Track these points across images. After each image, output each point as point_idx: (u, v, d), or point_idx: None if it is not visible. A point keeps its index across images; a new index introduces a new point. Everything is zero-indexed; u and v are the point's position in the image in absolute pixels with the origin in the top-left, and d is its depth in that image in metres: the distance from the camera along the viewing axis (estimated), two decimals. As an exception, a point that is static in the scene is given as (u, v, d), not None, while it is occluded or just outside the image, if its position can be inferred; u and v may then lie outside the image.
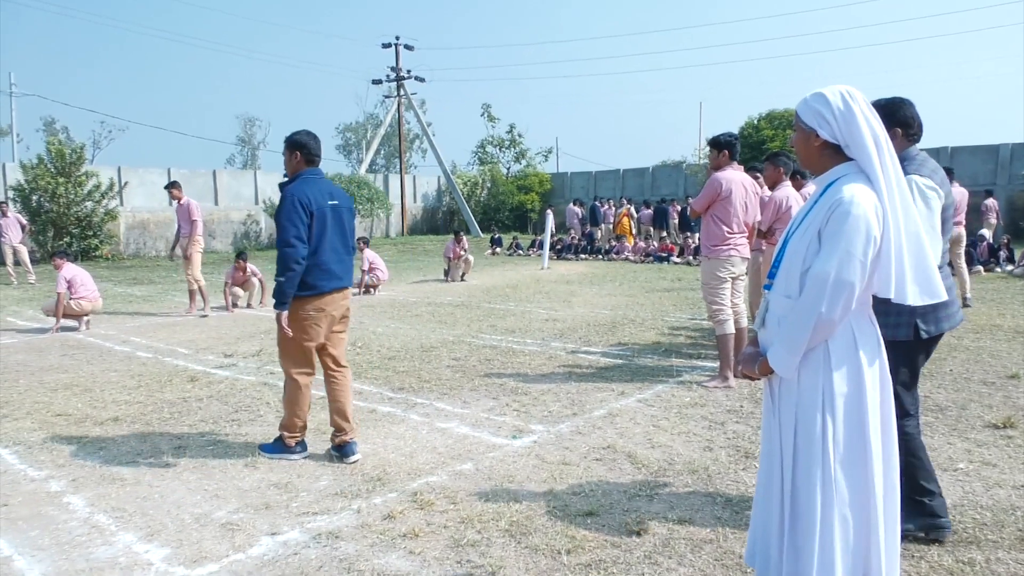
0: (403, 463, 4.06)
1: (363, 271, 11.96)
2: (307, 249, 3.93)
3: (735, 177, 5.68)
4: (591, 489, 3.62)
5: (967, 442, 4.17)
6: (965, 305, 9.07)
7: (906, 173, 2.82)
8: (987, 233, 15.74)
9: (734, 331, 5.65)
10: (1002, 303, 9.61)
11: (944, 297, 2.19)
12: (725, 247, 5.65)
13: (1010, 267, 13.72)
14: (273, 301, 4.02)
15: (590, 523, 3.24)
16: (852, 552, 2.14)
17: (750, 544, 2.44)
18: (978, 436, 4.27)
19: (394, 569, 2.88)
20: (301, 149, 4.13)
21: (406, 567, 2.89)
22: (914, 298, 2.12)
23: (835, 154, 2.18)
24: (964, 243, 9.89)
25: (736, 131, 25.51)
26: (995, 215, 17.50)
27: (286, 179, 4.20)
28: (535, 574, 2.81)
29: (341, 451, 4.14)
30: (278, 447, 4.19)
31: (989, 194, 18.18)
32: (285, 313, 3.99)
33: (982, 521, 3.17)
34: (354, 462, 4.08)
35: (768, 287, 2.33)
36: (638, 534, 3.11)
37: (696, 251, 17.62)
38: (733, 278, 5.74)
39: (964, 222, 9.67)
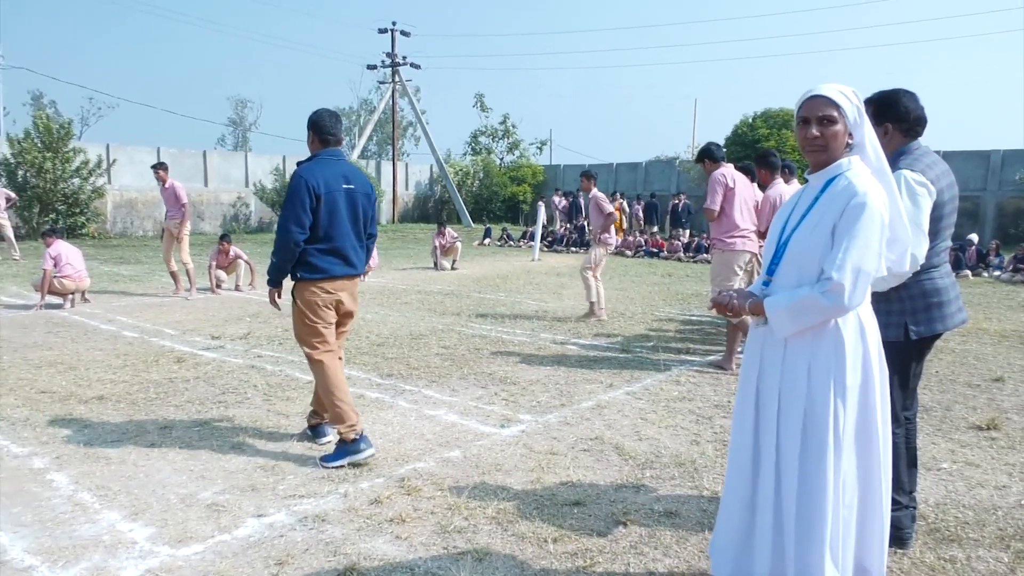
0: (391, 449, 4.05)
1: None
2: (304, 235, 3.78)
3: (733, 171, 5.84)
4: (578, 479, 3.63)
5: (951, 442, 4.21)
6: None
7: (898, 167, 2.73)
8: (975, 238, 15.84)
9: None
10: (988, 307, 9.70)
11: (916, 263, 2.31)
12: (740, 238, 5.78)
13: (998, 272, 13.84)
14: (267, 279, 3.97)
15: (576, 513, 3.25)
16: (857, 539, 2.17)
17: (720, 547, 2.41)
18: (962, 437, 4.31)
19: (381, 553, 2.87)
20: (314, 128, 3.97)
21: (392, 552, 2.89)
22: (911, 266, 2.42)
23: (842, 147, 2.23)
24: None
25: (730, 130, 25.52)
26: None
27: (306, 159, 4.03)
28: (521, 561, 2.82)
29: (314, 432, 4.16)
30: (340, 452, 3.82)
31: None
32: (273, 289, 3.99)
33: (964, 520, 3.20)
34: (324, 444, 4.08)
35: (766, 283, 2.32)
36: (624, 525, 3.12)
37: (686, 247, 17.67)
38: (742, 271, 5.85)
39: None
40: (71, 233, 18.59)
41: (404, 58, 31.34)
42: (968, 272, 13.74)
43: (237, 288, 10.48)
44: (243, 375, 5.63)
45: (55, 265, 8.61)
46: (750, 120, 24.86)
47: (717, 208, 5.85)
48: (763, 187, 6.44)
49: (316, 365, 3.94)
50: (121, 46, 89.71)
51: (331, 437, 4.11)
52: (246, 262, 10.64)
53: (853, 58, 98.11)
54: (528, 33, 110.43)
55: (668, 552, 2.90)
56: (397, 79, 31.42)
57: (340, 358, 4.15)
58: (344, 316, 4.10)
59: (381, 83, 33.48)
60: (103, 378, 5.50)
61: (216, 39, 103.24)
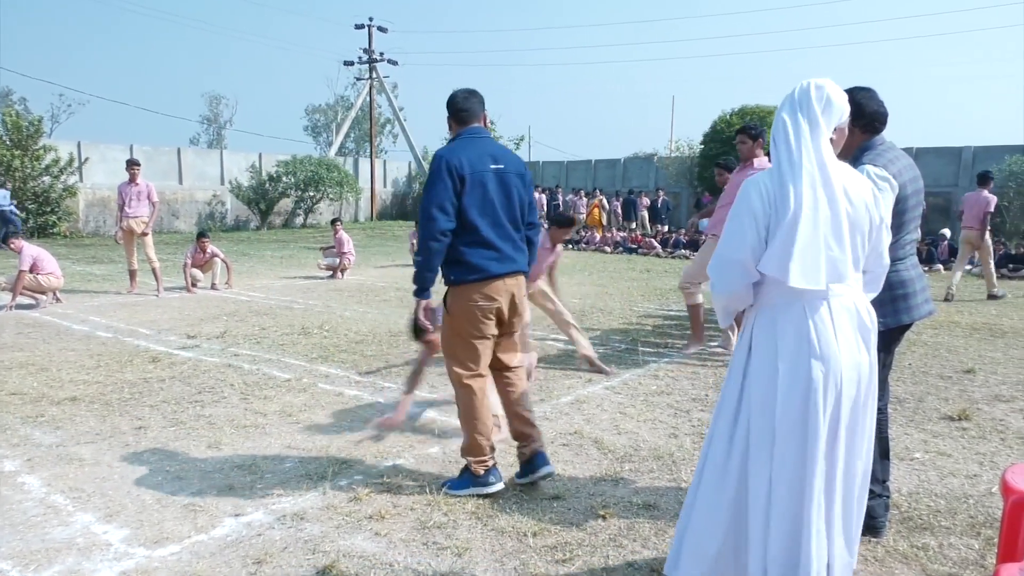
0: (370, 446, 4.03)
1: (342, 253, 11.97)
2: (451, 223, 3.18)
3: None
4: (557, 473, 3.64)
5: (924, 433, 4.28)
6: (991, 297, 10.09)
7: (861, 163, 2.78)
8: (947, 233, 16.09)
9: (701, 301, 6.33)
10: (960, 301, 9.88)
11: (819, 286, 2.14)
12: None
13: (968, 267, 14.07)
14: (413, 289, 3.36)
15: (556, 506, 3.26)
16: (769, 540, 2.18)
17: None
18: (934, 427, 4.39)
19: (360, 550, 2.86)
20: (449, 109, 3.41)
21: (372, 548, 2.88)
22: (796, 281, 2.11)
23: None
24: (990, 246, 10.27)
25: (708, 126, 25.59)
26: None
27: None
28: (501, 556, 2.82)
29: (531, 464, 3.41)
30: (467, 480, 3.38)
31: None
32: (424, 302, 3.32)
33: (936, 508, 3.26)
34: (546, 476, 3.41)
35: None
36: (603, 518, 3.14)
37: (664, 243, 17.78)
38: None
39: (975, 226, 9.91)
40: (42, 232, 18.27)
41: (381, 54, 31.19)
42: (940, 266, 13.97)
43: (213, 287, 10.37)
44: (220, 374, 5.57)
45: (35, 265, 8.49)
46: (727, 117, 25.03)
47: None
48: None
49: (462, 389, 3.36)
50: (92, 41, 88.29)
51: (552, 468, 3.47)
52: (223, 260, 10.53)
53: (828, 55, 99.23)
54: (506, 30, 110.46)
55: (647, 544, 2.92)
56: (374, 75, 31.26)
57: (515, 367, 3.54)
58: (511, 322, 3.44)
59: (358, 79, 33.36)
60: (76, 379, 5.42)
61: (190, 35, 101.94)
